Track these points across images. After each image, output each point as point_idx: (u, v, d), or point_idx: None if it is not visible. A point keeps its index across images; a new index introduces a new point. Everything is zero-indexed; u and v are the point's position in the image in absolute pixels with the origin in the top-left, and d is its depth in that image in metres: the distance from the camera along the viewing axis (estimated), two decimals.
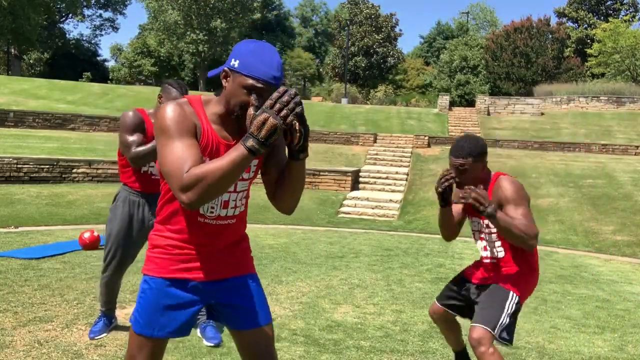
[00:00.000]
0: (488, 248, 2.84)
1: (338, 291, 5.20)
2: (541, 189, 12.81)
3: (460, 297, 3.00)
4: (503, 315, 2.68)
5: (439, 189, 2.76)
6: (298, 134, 1.65)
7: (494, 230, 2.77)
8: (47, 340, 3.49)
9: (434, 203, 11.28)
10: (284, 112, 1.56)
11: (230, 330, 1.94)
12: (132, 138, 3.29)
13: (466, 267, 3.09)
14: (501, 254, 2.80)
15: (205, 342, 3.39)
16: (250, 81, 1.69)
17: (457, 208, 2.97)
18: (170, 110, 1.72)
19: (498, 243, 2.80)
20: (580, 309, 5.06)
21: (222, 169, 1.59)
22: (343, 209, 11.76)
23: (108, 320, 3.68)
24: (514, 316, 2.72)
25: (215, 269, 1.88)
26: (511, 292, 2.74)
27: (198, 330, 3.54)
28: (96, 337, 3.57)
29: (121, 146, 3.33)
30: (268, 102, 1.58)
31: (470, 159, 2.74)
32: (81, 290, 4.65)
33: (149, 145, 3.26)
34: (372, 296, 5.10)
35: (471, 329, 2.67)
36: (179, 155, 1.65)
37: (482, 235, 2.86)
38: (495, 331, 2.64)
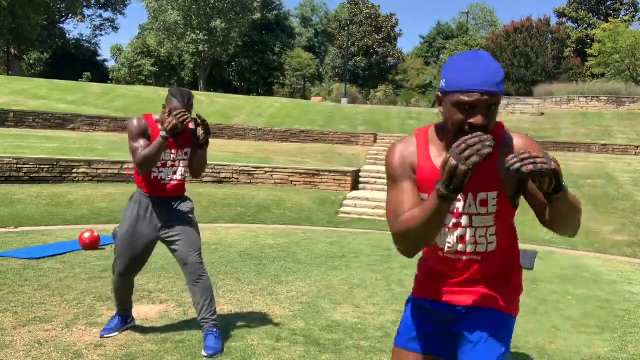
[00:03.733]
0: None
1: (338, 291, 5.20)
2: None
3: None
4: None
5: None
6: (547, 179, 1.44)
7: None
8: (47, 340, 3.49)
9: None
10: (467, 152, 1.42)
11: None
12: (136, 144, 3.32)
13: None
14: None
15: (203, 352, 3.40)
16: (457, 96, 1.56)
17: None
18: (390, 155, 1.76)
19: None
20: (580, 309, 5.05)
21: (418, 218, 1.55)
22: (343, 209, 11.76)
23: (123, 320, 3.70)
24: None
25: (464, 300, 1.81)
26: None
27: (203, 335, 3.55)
28: (106, 335, 3.58)
29: (130, 153, 3.37)
30: (458, 147, 1.43)
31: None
32: (81, 290, 4.65)
33: (150, 147, 3.26)
34: (372, 296, 5.10)
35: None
36: (394, 201, 1.71)
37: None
38: None
